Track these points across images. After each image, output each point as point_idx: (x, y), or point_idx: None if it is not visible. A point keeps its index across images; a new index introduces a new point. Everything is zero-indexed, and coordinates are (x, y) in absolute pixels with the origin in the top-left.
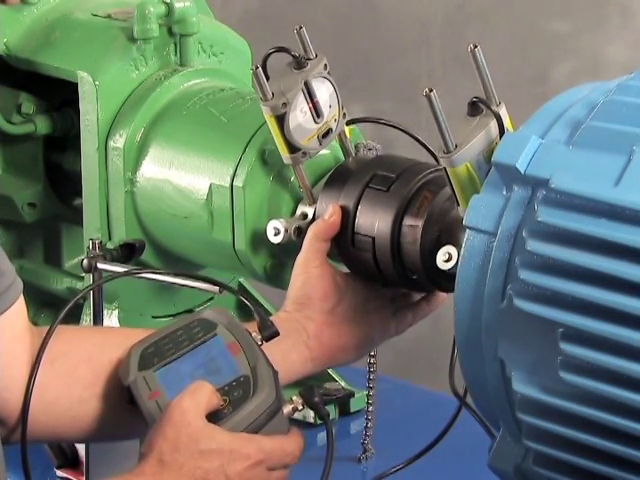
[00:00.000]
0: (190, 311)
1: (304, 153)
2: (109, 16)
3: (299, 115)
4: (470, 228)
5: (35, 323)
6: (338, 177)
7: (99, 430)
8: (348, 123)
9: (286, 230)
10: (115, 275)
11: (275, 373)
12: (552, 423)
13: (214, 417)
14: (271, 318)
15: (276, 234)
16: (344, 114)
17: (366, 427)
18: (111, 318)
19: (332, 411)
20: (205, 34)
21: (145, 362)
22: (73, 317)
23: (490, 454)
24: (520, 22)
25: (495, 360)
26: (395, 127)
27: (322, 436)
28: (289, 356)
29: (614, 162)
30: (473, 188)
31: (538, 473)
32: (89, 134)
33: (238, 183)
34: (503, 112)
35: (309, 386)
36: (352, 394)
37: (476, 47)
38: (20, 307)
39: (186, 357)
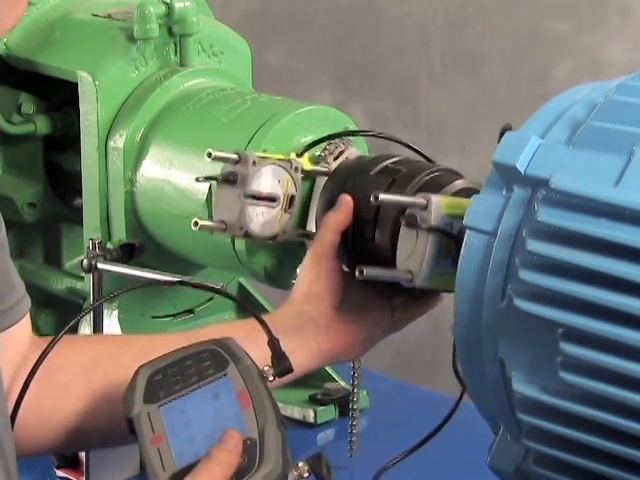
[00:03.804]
0: (190, 311)
1: (284, 231)
2: (109, 16)
3: (259, 220)
4: (470, 228)
5: (35, 323)
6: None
7: (94, 441)
8: (337, 136)
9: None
10: (117, 293)
11: (284, 437)
12: (552, 423)
13: None
14: (280, 311)
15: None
16: (290, 161)
17: (351, 424)
18: (111, 318)
19: (332, 411)
20: (205, 34)
21: (151, 394)
22: (73, 317)
23: (490, 454)
24: (520, 22)
25: (495, 360)
26: (376, 136)
27: (322, 436)
28: (296, 352)
29: (614, 162)
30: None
31: (538, 473)
32: (89, 134)
33: None
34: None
35: (317, 454)
36: None
37: None
38: (27, 323)
39: (193, 396)
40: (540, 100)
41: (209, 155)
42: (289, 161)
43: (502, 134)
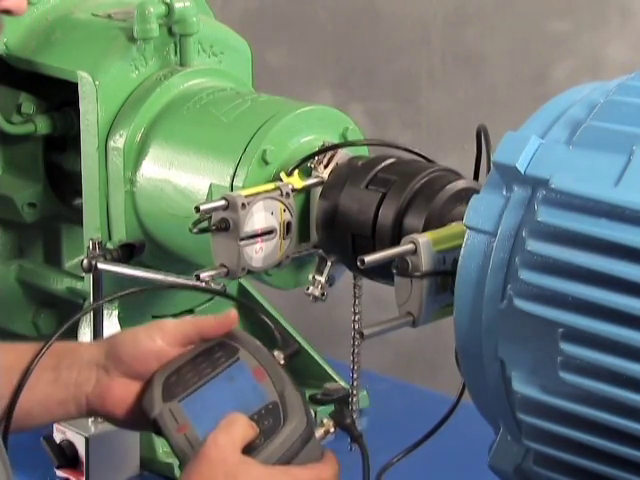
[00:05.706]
0: (190, 311)
1: (287, 257)
2: (109, 16)
3: (258, 256)
4: (470, 228)
5: (35, 323)
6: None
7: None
8: (332, 148)
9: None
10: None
11: (303, 396)
12: (552, 423)
13: (247, 448)
14: None
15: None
16: (279, 189)
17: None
18: (111, 318)
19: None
20: (205, 34)
21: (169, 392)
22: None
23: (490, 454)
24: (520, 22)
25: (495, 360)
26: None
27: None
28: None
29: (614, 162)
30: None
31: (538, 473)
32: (89, 134)
33: (238, 183)
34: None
35: (340, 408)
36: None
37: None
38: None
39: (210, 385)
40: (540, 100)
41: (197, 210)
42: (278, 189)
43: (478, 135)
